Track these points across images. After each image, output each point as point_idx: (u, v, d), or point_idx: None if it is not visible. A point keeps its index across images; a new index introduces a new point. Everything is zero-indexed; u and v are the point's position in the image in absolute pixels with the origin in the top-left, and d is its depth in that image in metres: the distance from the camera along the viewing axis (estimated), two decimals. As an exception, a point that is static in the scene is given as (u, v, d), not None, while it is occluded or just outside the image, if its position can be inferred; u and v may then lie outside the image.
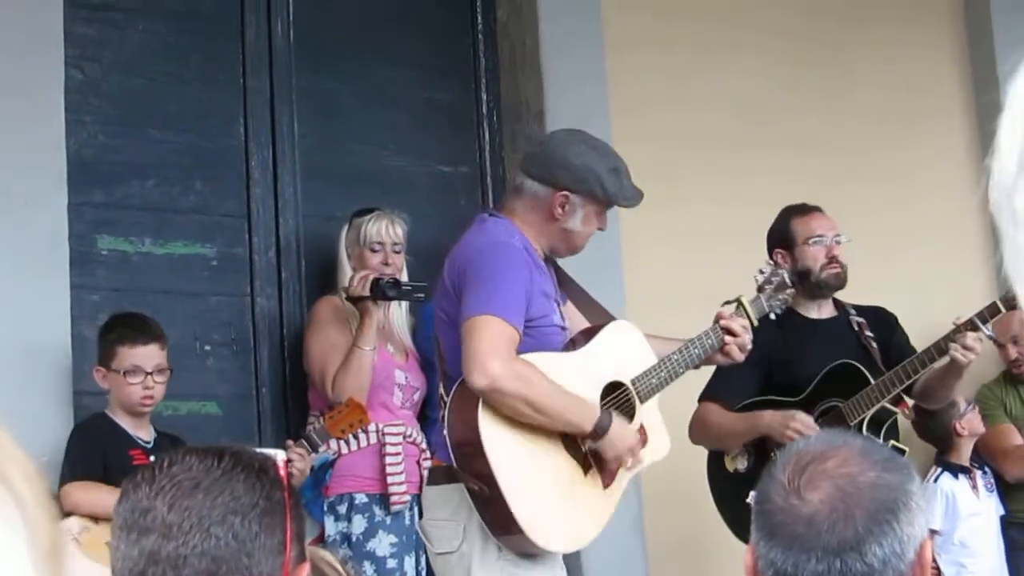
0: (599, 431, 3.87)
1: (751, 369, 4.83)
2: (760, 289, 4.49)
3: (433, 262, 5.38)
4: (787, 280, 4.52)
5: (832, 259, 4.95)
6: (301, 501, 1.90)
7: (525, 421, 3.82)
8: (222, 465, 1.80)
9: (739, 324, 4.25)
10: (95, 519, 4.26)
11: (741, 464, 4.83)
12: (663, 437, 4.15)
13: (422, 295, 4.94)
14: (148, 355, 4.47)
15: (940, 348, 4.58)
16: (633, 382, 4.08)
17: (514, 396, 3.77)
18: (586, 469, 3.95)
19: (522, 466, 3.84)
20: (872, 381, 4.69)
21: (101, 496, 4.25)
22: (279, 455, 1.89)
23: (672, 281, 5.75)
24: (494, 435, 3.81)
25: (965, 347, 4.53)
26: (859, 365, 4.74)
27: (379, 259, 5.00)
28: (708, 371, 4.87)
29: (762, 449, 4.68)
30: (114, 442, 4.44)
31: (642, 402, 4.08)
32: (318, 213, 5.37)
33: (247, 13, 5.38)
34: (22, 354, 4.53)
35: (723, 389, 4.88)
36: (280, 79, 5.41)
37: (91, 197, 4.97)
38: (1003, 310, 4.57)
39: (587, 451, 3.92)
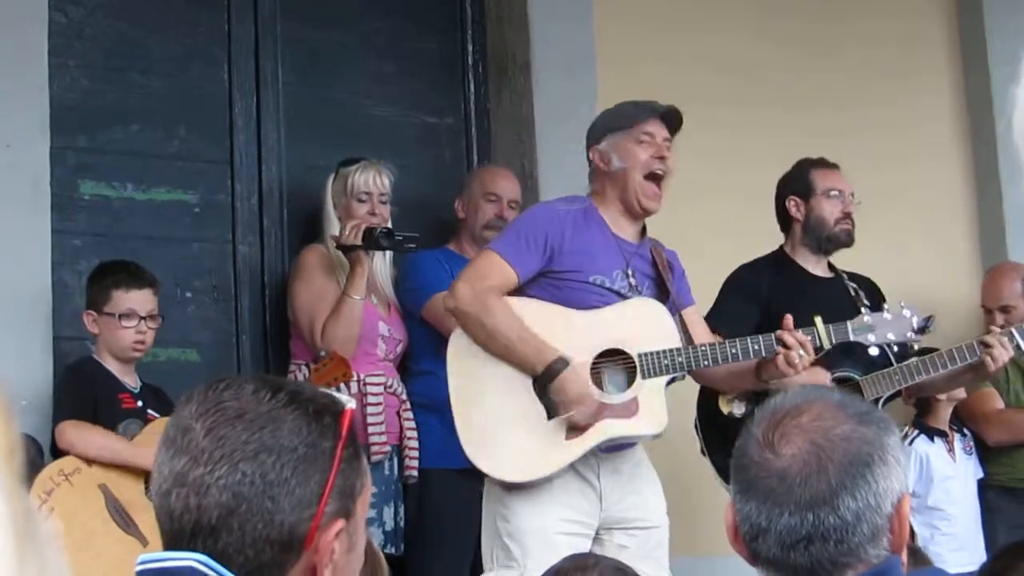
0: (549, 373, 4.03)
1: (751, 308, 4.84)
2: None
3: (417, 212, 5.38)
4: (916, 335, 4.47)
5: (846, 215, 4.98)
6: (362, 455, 1.81)
7: (485, 349, 4.08)
8: (274, 400, 1.72)
9: (793, 339, 4.19)
10: (88, 461, 4.27)
11: (738, 408, 4.80)
12: (658, 414, 4.15)
13: (414, 246, 4.93)
14: (143, 300, 4.48)
15: (973, 349, 4.65)
16: (640, 355, 4.13)
17: (473, 320, 4.07)
18: (550, 415, 4.08)
19: (480, 394, 4.10)
20: (894, 361, 4.73)
21: (94, 437, 4.28)
22: (349, 402, 1.81)
23: (661, 238, 5.74)
24: (459, 360, 4.13)
25: (995, 356, 4.60)
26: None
27: (366, 209, 4.98)
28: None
29: (761, 395, 4.67)
30: (104, 385, 4.44)
31: (645, 376, 4.12)
32: (301, 162, 5.35)
33: (233, -41, 5.34)
34: (2, 298, 4.51)
35: (726, 324, 4.85)
36: (265, 26, 5.38)
37: (74, 141, 4.94)
38: None
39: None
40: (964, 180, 6.55)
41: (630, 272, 4.24)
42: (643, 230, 4.42)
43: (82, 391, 4.40)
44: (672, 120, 4.39)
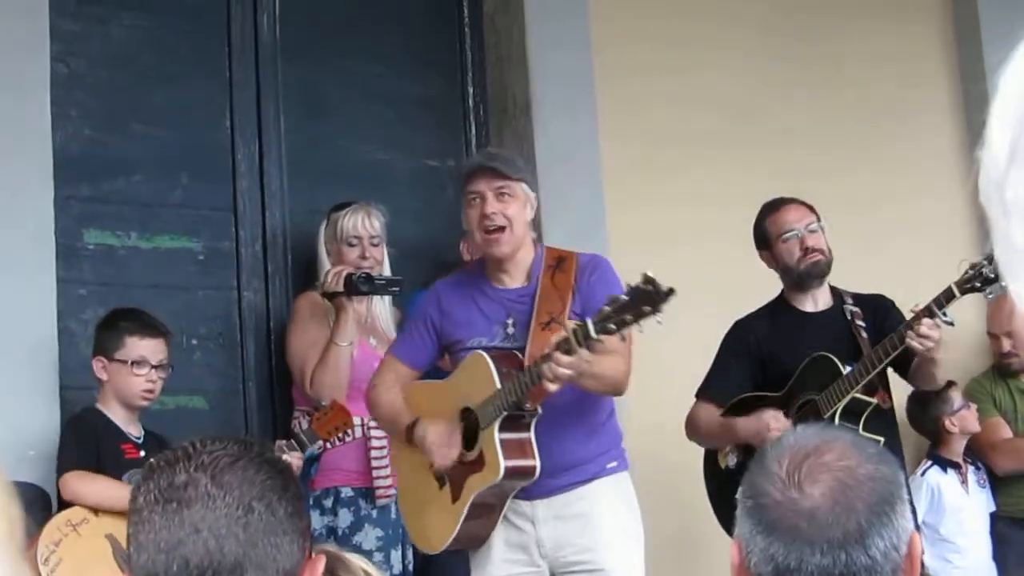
0: (410, 435, 4.29)
1: (740, 366, 4.85)
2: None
3: (419, 256, 5.40)
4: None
5: (807, 250, 4.87)
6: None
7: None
8: (253, 449, 1.84)
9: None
10: (95, 511, 4.26)
11: (731, 460, 4.83)
12: (492, 462, 4.16)
13: (397, 289, 4.95)
14: (155, 349, 4.49)
15: (901, 336, 4.49)
16: (471, 410, 4.23)
17: (371, 410, 4.49)
18: (440, 484, 4.30)
19: (404, 478, 4.54)
20: (843, 371, 4.67)
21: (100, 487, 4.27)
22: (286, 456, 1.95)
23: (659, 267, 5.74)
24: (398, 450, 4.54)
25: (920, 335, 4.42)
26: (831, 356, 4.68)
27: (356, 253, 4.99)
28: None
29: (750, 447, 4.67)
30: (107, 435, 4.44)
31: (482, 428, 4.18)
32: (304, 207, 5.36)
33: (233, 7, 5.37)
34: (8, 348, 4.52)
35: (713, 387, 4.88)
36: (266, 73, 5.41)
37: (77, 191, 4.96)
38: (958, 295, 4.43)
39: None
40: (967, 213, 6.55)
41: (510, 322, 4.28)
42: (558, 261, 4.37)
43: (85, 441, 4.40)
44: (487, 169, 4.33)
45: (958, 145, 6.70)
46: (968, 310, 6.25)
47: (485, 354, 4.20)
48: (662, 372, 5.12)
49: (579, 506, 4.24)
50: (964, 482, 5.86)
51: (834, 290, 5.00)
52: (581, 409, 4.26)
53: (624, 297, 3.74)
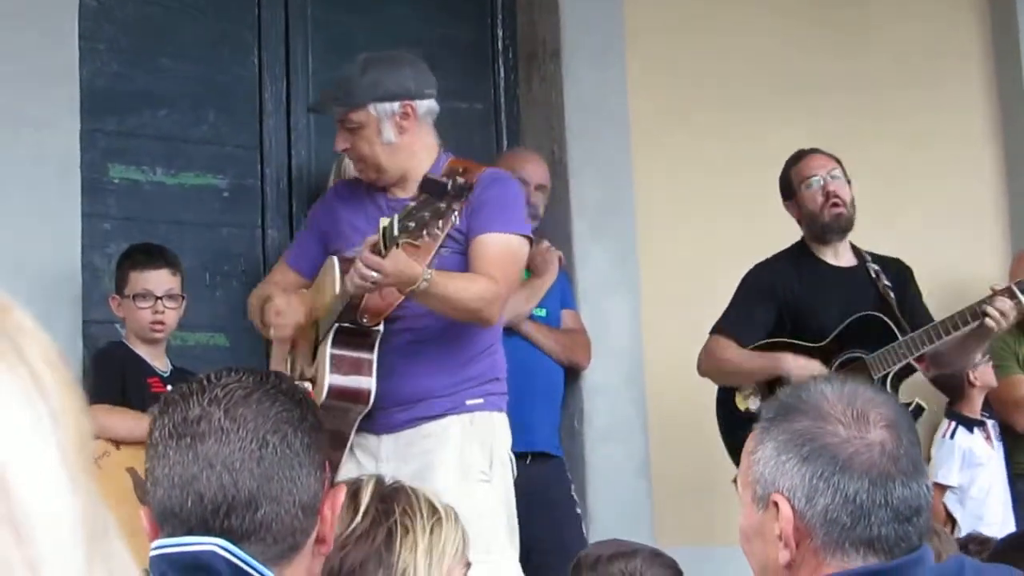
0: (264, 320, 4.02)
1: (766, 308, 4.82)
2: None
3: (445, 199, 5.38)
4: None
5: (828, 196, 4.85)
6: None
7: None
8: (269, 380, 1.83)
9: None
10: (116, 444, 4.27)
11: (753, 404, 4.79)
12: (321, 381, 3.83)
13: None
14: (158, 279, 4.46)
15: (975, 312, 4.50)
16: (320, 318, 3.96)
17: (249, 314, 4.25)
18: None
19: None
20: (899, 336, 4.65)
21: (125, 419, 4.27)
22: (306, 385, 1.94)
23: (683, 224, 5.74)
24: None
25: (1001, 312, 4.46)
26: (886, 319, 4.69)
27: None
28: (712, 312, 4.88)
29: (774, 390, 4.65)
30: (132, 369, 4.44)
31: (320, 340, 3.88)
32: (330, 147, 5.31)
33: (263, -57, 5.34)
34: (33, 281, 4.52)
35: (738, 325, 4.84)
36: (295, 12, 5.38)
37: (103, 125, 4.95)
38: None
39: None
40: (994, 166, 6.51)
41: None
42: (453, 176, 3.76)
43: (110, 376, 4.41)
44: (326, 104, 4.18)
45: (987, 92, 6.63)
46: (991, 266, 6.22)
47: (336, 259, 3.84)
48: (688, 318, 5.11)
49: (424, 444, 3.84)
50: (988, 438, 5.85)
51: (855, 248, 4.99)
52: (445, 337, 3.88)
53: (420, 194, 3.41)
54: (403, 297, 3.69)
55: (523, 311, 5.01)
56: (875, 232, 5.17)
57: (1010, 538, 3.55)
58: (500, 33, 5.86)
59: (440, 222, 3.34)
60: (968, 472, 5.76)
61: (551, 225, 5.41)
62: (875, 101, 6.28)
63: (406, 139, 3.95)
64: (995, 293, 4.51)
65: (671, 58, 5.88)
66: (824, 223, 4.87)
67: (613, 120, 5.72)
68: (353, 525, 2.13)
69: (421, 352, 3.86)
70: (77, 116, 4.74)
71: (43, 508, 0.82)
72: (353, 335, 3.76)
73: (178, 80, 5.12)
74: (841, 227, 4.88)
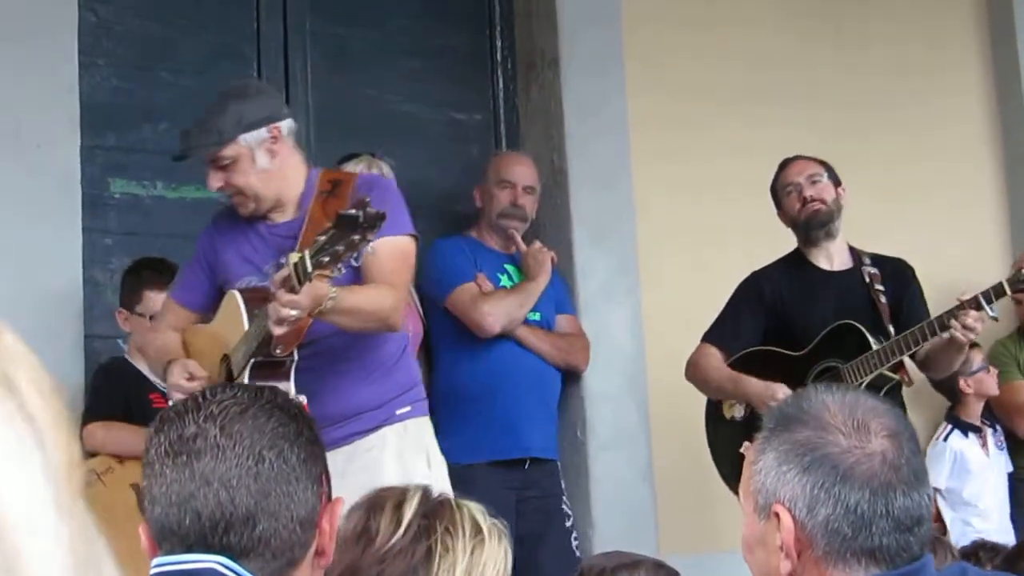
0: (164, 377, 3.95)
1: (755, 316, 4.82)
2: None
3: (446, 208, 5.39)
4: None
5: (805, 200, 4.84)
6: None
7: None
8: (264, 396, 1.83)
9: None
10: (119, 459, 4.27)
11: (738, 411, 4.80)
12: None
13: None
14: None
15: (942, 323, 4.46)
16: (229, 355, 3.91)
17: (145, 359, 4.31)
18: None
19: None
20: (873, 347, 4.64)
21: (125, 435, 4.27)
22: (301, 398, 1.92)
23: (683, 231, 5.74)
24: None
25: (965, 326, 4.41)
26: (862, 328, 4.67)
27: None
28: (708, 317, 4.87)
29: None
30: (134, 385, 4.45)
31: (236, 376, 3.81)
32: (330, 158, 5.33)
33: (261, -43, 5.35)
34: (35, 296, 4.53)
35: (725, 334, 4.85)
36: (294, 25, 5.39)
37: (103, 140, 4.96)
38: (1008, 292, 4.46)
39: None
40: (994, 174, 6.51)
41: (283, 261, 3.63)
42: (332, 185, 3.86)
43: (112, 391, 4.41)
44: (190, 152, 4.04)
45: (985, 103, 6.63)
46: (993, 272, 6.22)
47: (238, 293, 3.80)
48: (688, 325, 5.11)
49: (365, 458, 3.87)
50: (984, 445, 5.84)
51: (853, 250, 4.97)
52: (359, 351, 3.90)
53: (332, 228, 3.29)
54: (311, 321, 3.67)
55: (518, 316, 5.01)
56: (875, 234, 5.16)
57: (1021, 546, 3.54)
58: (498, 43, 5.87)
59: (356, 254, 3.33)
60: (958, 476, 5.75)
61: (551, 233, 5.42)
62: (875, 107, 6.28)
63: (278, 163, 3.90)
64: (961, 304, 4.46)
65: (670, 66, 5.88)
66: (802, 223, 4.87)
67: (612, 128, 5.72)
68: (394, 540, 2.09)
69: (339, 370, 3.88)
70: (77, 131, 4.75)
71: (31, 536, 0.82)
72: (270, 366, 3.73)
73: (178, 94, 5.13)
74: (820, 222, 4.85)
